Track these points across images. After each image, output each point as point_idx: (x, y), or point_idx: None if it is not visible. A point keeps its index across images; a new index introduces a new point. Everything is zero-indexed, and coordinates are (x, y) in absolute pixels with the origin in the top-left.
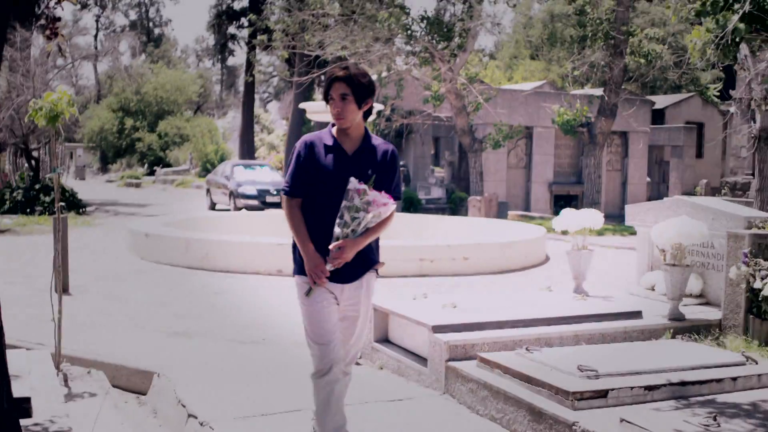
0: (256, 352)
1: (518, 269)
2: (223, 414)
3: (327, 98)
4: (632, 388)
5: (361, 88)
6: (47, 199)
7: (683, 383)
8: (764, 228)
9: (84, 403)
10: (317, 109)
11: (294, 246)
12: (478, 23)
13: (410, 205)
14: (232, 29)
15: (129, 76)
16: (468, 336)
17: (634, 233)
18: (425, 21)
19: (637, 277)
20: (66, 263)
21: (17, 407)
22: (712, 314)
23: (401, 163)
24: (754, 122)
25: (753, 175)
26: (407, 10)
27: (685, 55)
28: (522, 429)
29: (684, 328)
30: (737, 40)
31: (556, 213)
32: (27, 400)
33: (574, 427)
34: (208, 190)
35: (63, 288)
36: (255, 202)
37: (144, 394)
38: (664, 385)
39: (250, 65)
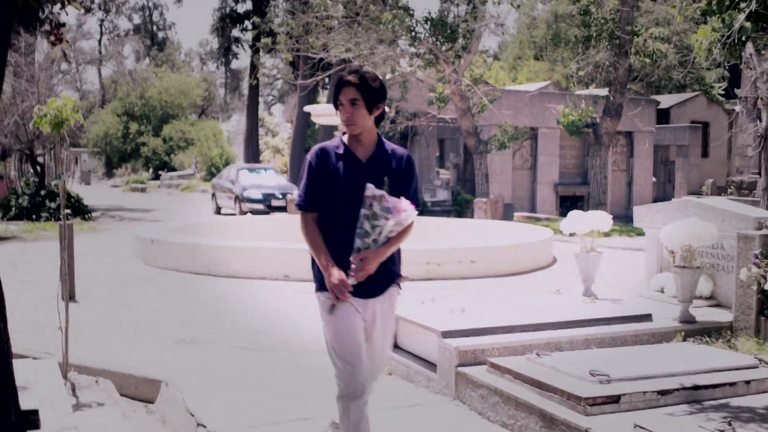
0: (263, 359)
1: (525, 272)
2: (232, 423)
3: (336, 104)
4: (645, 392)
5: (371, 93)
6: (53, 205)
7: (696, 387)
8: None
9: (92, 413)
10: (322, 112)
11: (313, 261)
12: (482, 24)
13: None
14: (235, 32)
15: (133, 81)
16: (477, 341)
17: (640, 234)
18: (429, 22)
19: (646, 279)
20: (72, 270)
21: (25, 420)
22: (723, 316)
23: None
24: (760, 121)
25: (759, 174)
26: (411, 12)
27: (689, 54)
28: None
29: (695, 331)
30: (743, 39)
31: (562, 214)
32: (35, 412)
33: None
34: (213, 195)
35: (69, 295)
36: (260, 206)
37: (152, 402)
38: (677, 390)
39: (254, 68)
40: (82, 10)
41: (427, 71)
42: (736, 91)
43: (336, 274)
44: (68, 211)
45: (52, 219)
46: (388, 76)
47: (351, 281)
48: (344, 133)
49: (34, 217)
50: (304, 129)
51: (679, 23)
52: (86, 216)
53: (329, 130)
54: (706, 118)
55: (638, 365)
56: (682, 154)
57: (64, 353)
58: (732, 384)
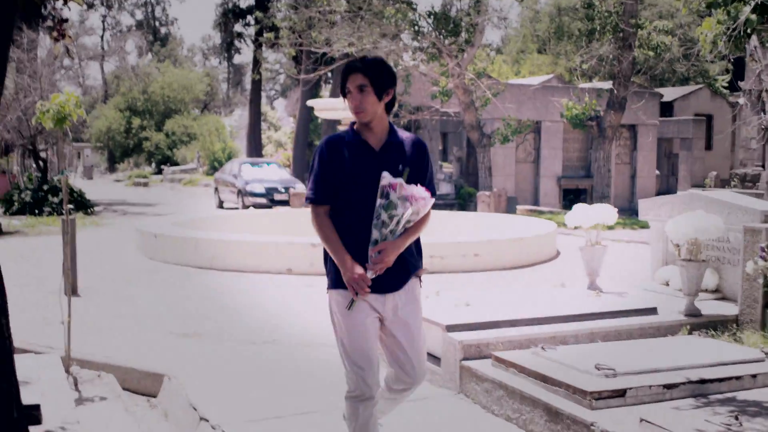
0: (266, 353)
1: (529, 265)
2: (235, 417)
3: (344, 92)
4: (651, 386)
5: (380, 78)
6: (55, 200)
7: (702, 381)
8: None
9: (94, 407)
10: (325, 107)
11: (326, 257)
12: (485, 18)
13: None
14: (238, 27)
15: (136, 76)
16: (482, 335)
17: (644, 226)
18: (432, 16)
19: (651, 272)
20: (75, 265)
21: (27, 415)
22: (728, 309)
23: None
24: (765, 113)
25: (763, 166)
26: (414, 6)
27: (693, 47)
28: (539, 429)
29: (700, 324)
30: (749, 31)
31: (565, 207)
32: (36, 407)
33: (592, 428)
34: (216, 189)
35: (72, 290)
36: (263, 200)
37: (155, 396)
38: (683, 384)
39: (257, 63)
40: (85, 6)
41: (430, 65)
42: (740, 83)
43: (354, 269)
44: (71, 206)
45: (55, 214)
46: None
47: (370, 275)
48: (354, 123)
49: (36, 211)
50: (307, 123)
51: (683, 16)
52: (89, 211)
53: (332, 125)
54: (709, 111)
55: (644, 359)
56: (686, 146)
57: (66, 347)
58: (738, 378)
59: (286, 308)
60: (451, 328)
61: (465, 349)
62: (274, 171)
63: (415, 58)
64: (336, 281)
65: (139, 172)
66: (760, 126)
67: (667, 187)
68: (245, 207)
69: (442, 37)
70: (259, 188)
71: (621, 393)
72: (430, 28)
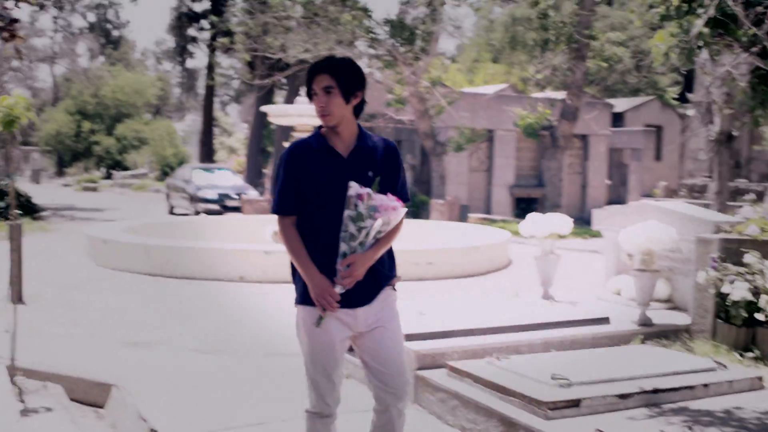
0: (218, 362)
1: (482, 273)
2: (186, 428)
3: (310, 94)
4: (605, 396)
5: (347, 79)
6: (2, 204)
7: (656, 391)
8: (732, 232)
9: (40, 418)
10: (279, 113)
11: (294, 270)
12: (440, 26)
13: None
14: (192, 31)
15: (87, 79)
16: (437, 344)
17: (595, 236)
18: (388, 24)
19: (604, 281)
20: (21, 272)
21: None
22: (680, 319)
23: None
24: (713, 125)
25: (711, 177)
26: (370, 13)
27: (644, 58)
28: None
29: (653, 334)
30: (701, 44)
31: (517, 216)
32: None
33: None
34: (167, 194)
35: (18, 297)
36: (215, 207)
37: (102, 407)
38: (638, 393)
39: (211, 68)
40: (37, 7)
41: (386, 72)
42: (689, 95)
43: (321, 284)
44: (18, 210)
45: (2, 218)
46: None
47: (338, 290)
48: (320, 127)
49: None
50: (261, 129)
51: (635, 28)
52: (36, 216)
53: (286, 131)
54: (659, 122)
55: (598, 369)
56: (636, 157)
57: (11, 357)
58: (691, 387)
59: (238, 316)
60: (405, 338)
61: (420, 358)
62: (227, 177)
63: (370, 65)
64: (304, 296)
65: (89, 176)
66: (708, 137)
67: (617, 196)
68: (197, 213)
69: (397, 44)
70: (211, 194)
71: (576, 403)
72: (386, 36)
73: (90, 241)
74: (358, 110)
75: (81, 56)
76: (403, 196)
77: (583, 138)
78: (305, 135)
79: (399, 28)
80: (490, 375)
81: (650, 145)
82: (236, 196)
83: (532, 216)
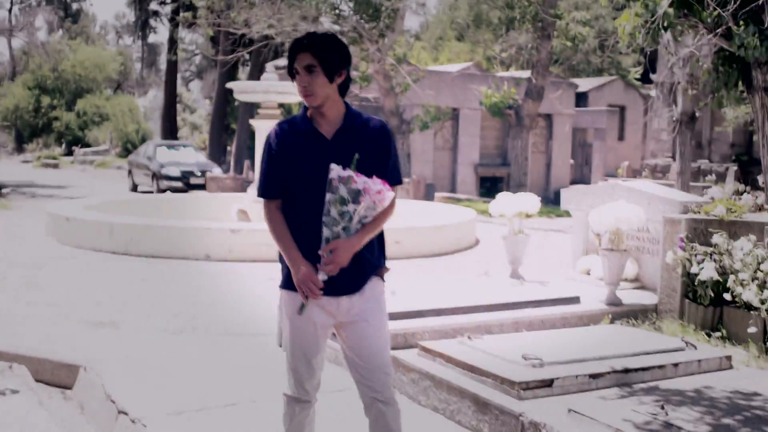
0: (187, 343)
1: (450, 252)
2: (155, 409)
3: (292, 73)
4: (577, 376)
5: (330, 57)
6: None
7: (627, 371)
8: (700, 213)
9: (6, 400)
10: (244, 89)
11: (280, 254)
12: (405, 3)
13: None
14: (154, 5)
15: (46, 53)
16: (408, 324)
17: (560, 215)
18: (353, 1)
19: (573, 261)
20: None
21: None
22: (647, 299)
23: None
24: (676, 106)
25: (673, 157)
26: None
27: (608, 38)
28: (466, 420)
29: (621, 313)
30: (665, 24)
31: (482, 195)
32: None
33: (521, 418)
34: (129, 171)
35: None
36: (179, 184)
37: (70, 389)
38: (608, 373)
39: (173, 43)
40: None
41: (351, 49)
42: (652, 76)
43: (303, 270)
44: None
45: None
46: None
47: (321, 277)
48: (306, 108)
49: None
50: (224, 106)
51: (600, 8)
52: None
53: (250, 108)
54: (622, 102)
55: (569, 349)
56: (600, 137)
57: None
58: (661, 367)
59: (204, 296)
60: None
61: (391, 338)
62: (190, 154)
63: None
64: (287, 281)
65: (49, 153)
66: (671, 118)
67: (581, 176)
68: (160, 191)
69: (362, 21)
70: (175, 171)
71: (548, 383)
72: (351, 12)
73: (52, 219)
74: (343, 89)
75: (39, 29)
76: (393, 178)
77: (548, 117)
78: (271, 111)
79: (364, 4)
80: (461, 355)
81: (613, 125)
82: (200, 174)
83: (501, 195)
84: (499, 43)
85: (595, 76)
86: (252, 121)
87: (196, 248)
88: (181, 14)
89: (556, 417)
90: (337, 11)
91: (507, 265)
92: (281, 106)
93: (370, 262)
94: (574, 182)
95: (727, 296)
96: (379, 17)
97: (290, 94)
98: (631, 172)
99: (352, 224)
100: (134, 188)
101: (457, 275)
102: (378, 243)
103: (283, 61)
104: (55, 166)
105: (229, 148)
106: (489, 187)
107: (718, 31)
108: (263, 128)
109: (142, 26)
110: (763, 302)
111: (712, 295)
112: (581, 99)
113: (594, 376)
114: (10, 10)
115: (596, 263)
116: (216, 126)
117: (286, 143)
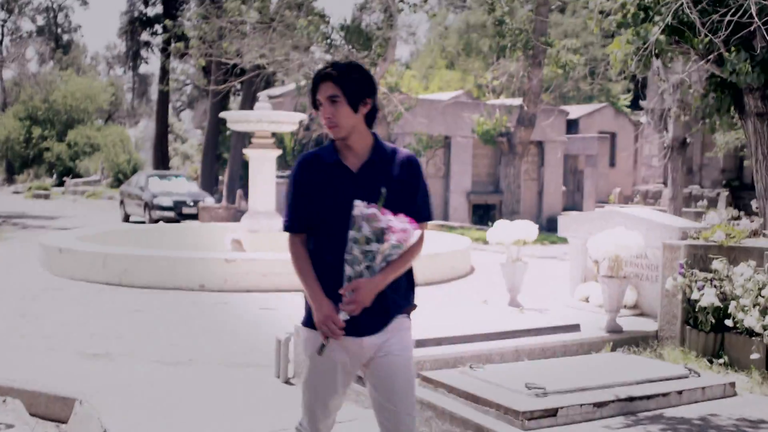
0: (183, 374)
1: (446, 281)
2: None
3: (315, 103)
4: (582, 405)
5: (354, 86)
6: None
7: (631, 399)
8: (699, 238)
9: None
10: (238, 119)
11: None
12: (396, 32)
13: None
14: (145, 36)
15: (37, 84)
16: None
17: (554, 242)
18: (344, 30)
19: (571, 288)
20: None
21: None
22: (648, 325)
23: None
24: (667, 132)
25: (665, 183)
26: (327, 19)
27: (598, 65)
28: None
29: (622, 341)
30: (657, 52)
31: (475, 222)
32: None
33: None
34: (121, 202)
35: None
36: (171, 214)
37: (65, 422)
38: (613, 401)
39: (165, 73)
40: None
41: None
42: (642, 102)
43: (325, 309)
44: None
45: None
46: (302, 83)
47: (342, 316)
48: (333, 139)
49: None
50: (216, 135)
51: (587, 35)
52: None
53: (242, 137)
54: (613, 129)
55: (572, 377)
56: (591, 163)
57: None
58: (665, 394)
59: (199, 326)
60: None
61: None
62: (182, 184)
63: None
64: (308, 319)
65: (40, 183)
66: (661, 144)
67: (573, 203)
68: (153, 221)
69: (354, 50)
70: (167, 201)
71: (553, 412)
72: (343, 42)
73: (45, 250)
74: (370, 119)
75: (30, 60)
76: (422, 214)
77: (539, 144)
78: (264, 141)
79: (355, 33)
80: (464, 384)
81: (604, 151)
82: (192, 203)
83: (500, 223)
84: (489, 70)
85: (584, 103)
86: (246, 150)
87: (190, 278)
88: (173, 45)
89: None
90: (329, 40)
91: (505, 293)
92: (274, 135)
93: (394, 301)
94: (566, 209)
95: (729, 322)
96: (370, 46)
97: (283, 123)
98: (623, 199)
99: (376, 263)
100: (126, 218)
101: (456, 303)
102: (407, 280)
103: (275, 90)
104: (46, 196)
105: (221, 177)
106: (481, 214)
107: (710, 57)
108: (256, 157)
109: (133, 57)
110: (765, 328)
111: (713, 321)
112: (572, 126)
113: (598, 405)
114: (1, 42)
115: (595, 290)
116: (208, 155)
117: (310, 176)
